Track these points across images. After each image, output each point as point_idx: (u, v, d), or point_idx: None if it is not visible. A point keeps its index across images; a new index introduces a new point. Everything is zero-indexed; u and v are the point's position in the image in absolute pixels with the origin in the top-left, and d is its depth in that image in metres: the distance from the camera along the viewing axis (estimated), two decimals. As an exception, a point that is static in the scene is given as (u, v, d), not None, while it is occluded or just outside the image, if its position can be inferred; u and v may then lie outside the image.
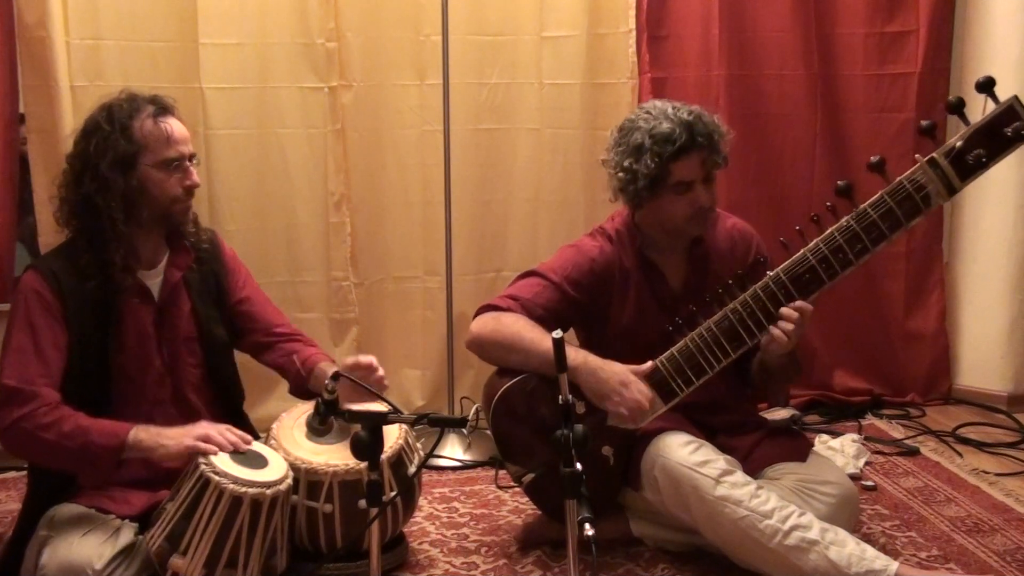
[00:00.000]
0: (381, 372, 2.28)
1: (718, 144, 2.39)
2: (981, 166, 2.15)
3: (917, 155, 2.20)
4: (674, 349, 2.35)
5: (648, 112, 2.41)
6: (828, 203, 2.27)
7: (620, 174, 2.40)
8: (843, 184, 2.23)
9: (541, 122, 3.49)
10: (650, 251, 2.52)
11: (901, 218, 2.21)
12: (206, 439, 2.07)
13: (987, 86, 2.12)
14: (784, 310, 2.24)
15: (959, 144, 2.15)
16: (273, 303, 2.51)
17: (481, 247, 3.54)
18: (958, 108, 2.14)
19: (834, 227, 2.25)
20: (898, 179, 2.20)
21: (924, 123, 2.19)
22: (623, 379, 2.31)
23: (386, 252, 3.51)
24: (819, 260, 2.25)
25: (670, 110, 2.38)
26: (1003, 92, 2.15)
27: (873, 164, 2.19)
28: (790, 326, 2.23)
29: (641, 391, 2.31)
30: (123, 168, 2.13)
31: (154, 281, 2.26)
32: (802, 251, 2.27)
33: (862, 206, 2.22)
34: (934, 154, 2.18)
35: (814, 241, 2.26)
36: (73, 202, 2.17)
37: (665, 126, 2.34)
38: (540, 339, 2.33)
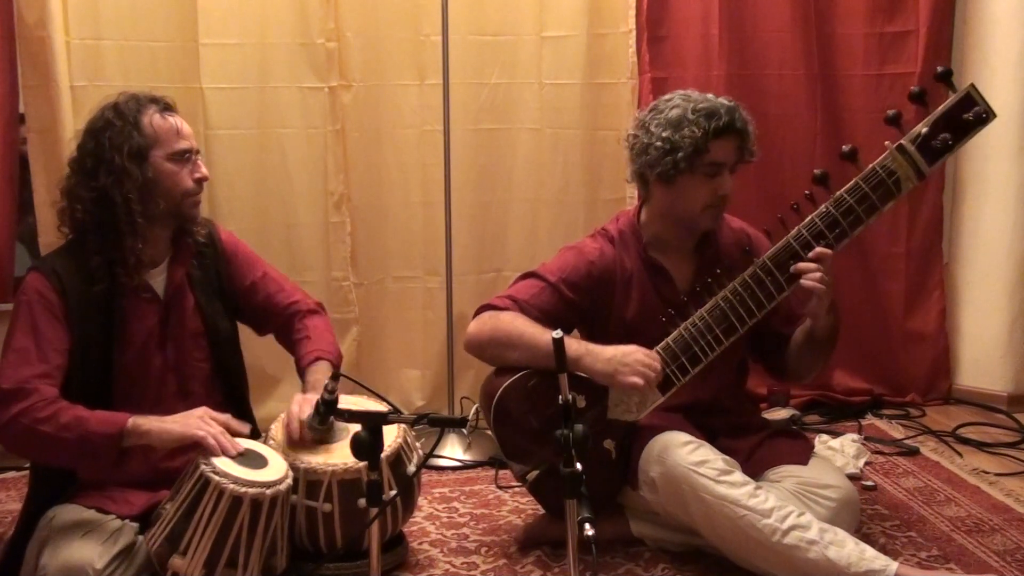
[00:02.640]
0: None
1: (752, 136, 2.43)
2: (948, 149, 2.29)
3: (887, 142, 2.31)
4: (669, 339, 2.37)
5: (684, 95, 2.43)
6: (806, 191, 2.35)
7: (657, 143, 2.38)
8: (819, 172, 2.32)
9: (541, 122, 3.49)
10: (656, 252, 2.52)
11: (876, 202, 2.31)
12: (202, 429, 2.06)
13: (944, 76, 2.28)
14: (800, 264, 2.29)
15: (924, 130, 2.28)
16: (278, 276, 2.50)
17: (481, 247, 3.54)
18: (919, 97, 2.28)
19: (814, 213, 2.33)
20: (870, 166, 2.31)
21: (890, 113, 2.29)
22: (625, 350, 2.32)
23: (386, 252, 3.51)
24: (802, 246, 2.32)
25: (709, 95, 2.43)
26: (1004, 91, 2.19)
27: (845, 153, 2.31)
28: (816, 274, 2.26)
29: (647, 354, 2.32)
30: (139, 161, 2.15)
31: (158, 279, 2.26)
32: (785, 238, 2.34)
33: (838, 192, 2.32)
34: (902, 140, 2.30)
35: (796, 228, 2.33)
36: (87, 199, 2.15)
37: (707, 104, 2.38)
38: (540, 334, 2.33)
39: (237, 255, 2.43)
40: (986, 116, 2.25)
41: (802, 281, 2.28)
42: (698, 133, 2.34)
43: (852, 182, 2.31)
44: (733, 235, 2.59)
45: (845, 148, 2.30)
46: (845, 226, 2.31)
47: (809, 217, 2.32)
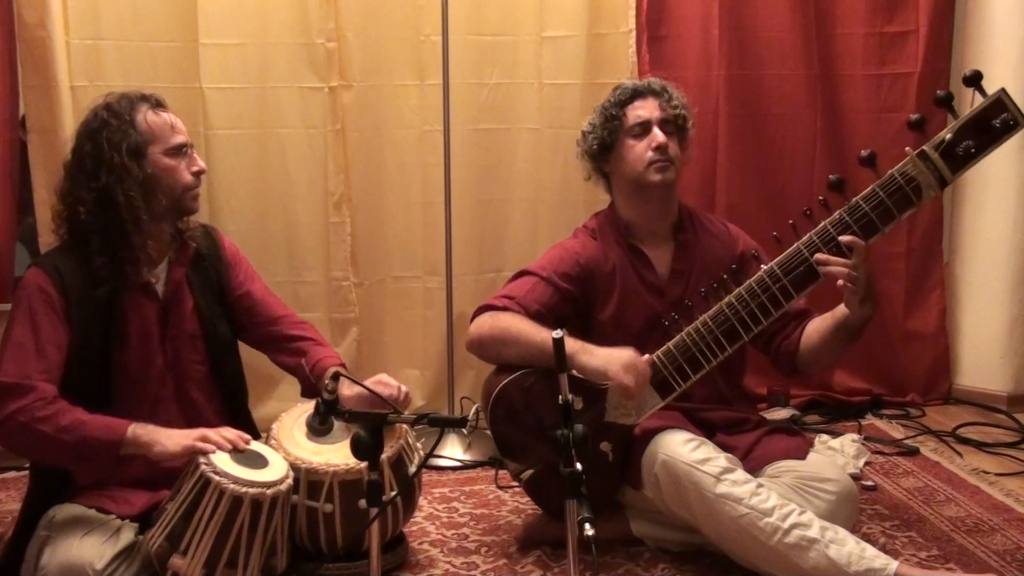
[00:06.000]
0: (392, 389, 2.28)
1: (674, 94, 2.55)
2: (971, 158, 2.17)
3: (908, 148, 2.22)
4: (670, 344, 2.37)
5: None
6: (820, 197, 2.29)
7: (585, 130, 2.58)
8: (835, 178, 2.25)
9: (541, 122, 3.49)
10: (635, 239, 2.58)
11: (893, 210, 2.22)
12: (204, 439, 2.07)
13: (974, 80, 2.14)
14: (819, 256, 2.23)
15: (948, 137, 2.17)
16: (277, 297, 2.50)
17: (481, 247, 3.54)
18: (947, 102, 2.16)
19: (827, 220, 2.26)
20: (889, 172, 2.22)
21: (913, 117, 2.20)
22: (620, 350, 2.34)
23: (386, 252, 3.51)
24: (812, 253, 2.26)
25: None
26: (1005, 92, 2.15)
27: (864, 158, 2.21)
28: (835, 268, 2.21)
29: (638, 358, 2.33)
30: (137, 158, 2.15)
31: (158, 278, 2.26)
32: (795, 244, 2.29)
33: (854, 199, 2.24)
34: (924, 147, 2.20)
35: (807, 235, 2.28)
36: (89, 200, 2.15)
37: (624, 82, 2.62)
38: (538, 332, 2.36)
39: (238, 263, 2.44)
40: (1014, 124, 2.13)
41: (823, 270, 2.23)
42: (609, 104, 2.54)
43: (869, 188, 2.22)
44: (712, 225, 2.65)
45: (863, 153, 2.20)
46: (859, 234, 2.22)
47: (821, 224, 2.26)
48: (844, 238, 2.23)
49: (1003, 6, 3.53)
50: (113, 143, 2.14)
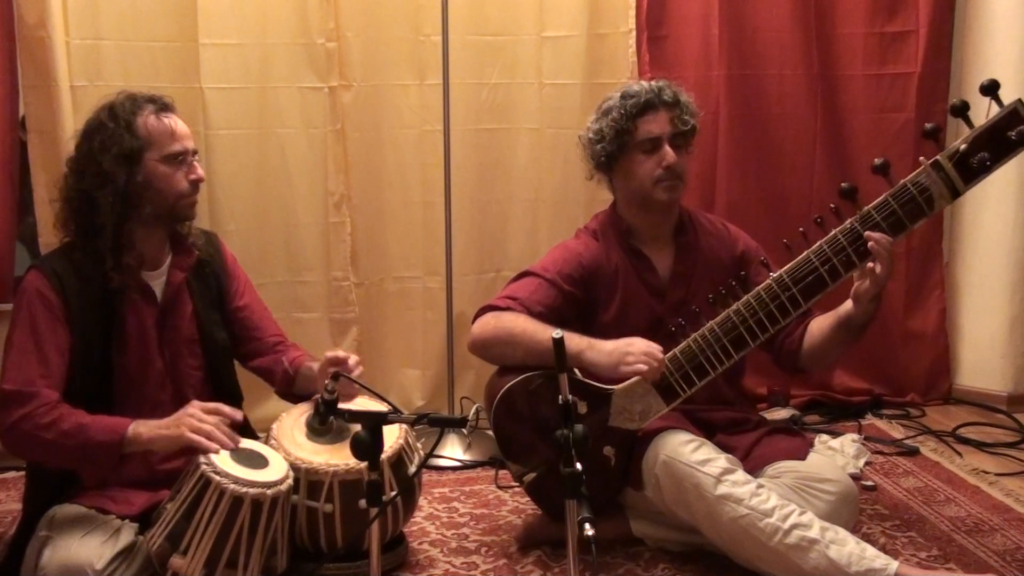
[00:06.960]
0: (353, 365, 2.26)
1: (686, 105, 2.50)
2: (985, 169, 2.15)
3: (921, 157, 2.20)
4: (676, 350, 2.36)
5: (623, 87, 2.56)
6: (832, 205, 2.27)
7: (591, 136, 2.53)
8: (847, 186, 2.23)
9: (541, 122, 3.49)
10: (636, 241, 2.58)
11: (904, 220, 2.21)
12: (197, 431, 2.05)
13: (991, 89, 2.11)
14: (873, 234, 2.19)
15: (963, 147, 2.15)
16: (269, 311, 2.52)
17: (481, 247, 3.54)
18: (962, 111, 2.14)
19: (837, 229, 2.25)
20: (902, 182, 2.20)
21: (928, 126, 2.18)
22: (627, 340, 2.35)
23: (386, 252, 3.51)
24: (822, 262, 2.25)
25: (643, 81, 2.58)
26: (1004, 93, 2.14)
27: (877, 166, 2.19)
28: (884, 254, 2.19)
29: (648, 343, 2.33)
30: (128, 163, 2.14)
31: (157, 282, 2.26)
32: (805, 252, 2.27)
33: (866, 208, 2.22)
34: (938, 157, 2.17)
35: (817, 243, 2.27)
36: (74, 200, 2.16)
37: (633, 88, 2.52)
38: (542, 332, 2.35)
39: (237, 274, 2.45)
40: None
41: (870, 245, 2.20)
42: (619, 115, 2.46)
43: (881, 198, 2.20)
44: (711, 225, 2.65)
45: (877, 161, 2.17)
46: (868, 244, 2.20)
47: (832, 232, 2.24)
48: (875, 237, 2.19)
49: (1003, 6, 3.53)
50: (104, 147, 2.14)
